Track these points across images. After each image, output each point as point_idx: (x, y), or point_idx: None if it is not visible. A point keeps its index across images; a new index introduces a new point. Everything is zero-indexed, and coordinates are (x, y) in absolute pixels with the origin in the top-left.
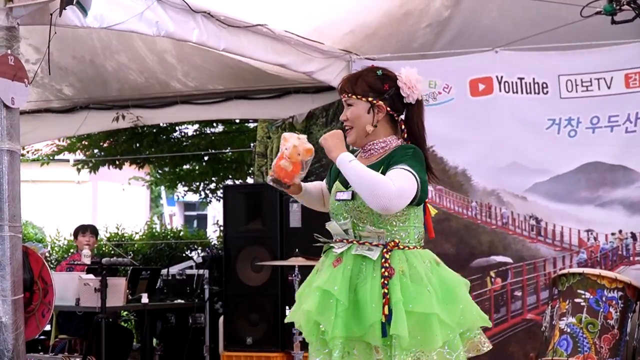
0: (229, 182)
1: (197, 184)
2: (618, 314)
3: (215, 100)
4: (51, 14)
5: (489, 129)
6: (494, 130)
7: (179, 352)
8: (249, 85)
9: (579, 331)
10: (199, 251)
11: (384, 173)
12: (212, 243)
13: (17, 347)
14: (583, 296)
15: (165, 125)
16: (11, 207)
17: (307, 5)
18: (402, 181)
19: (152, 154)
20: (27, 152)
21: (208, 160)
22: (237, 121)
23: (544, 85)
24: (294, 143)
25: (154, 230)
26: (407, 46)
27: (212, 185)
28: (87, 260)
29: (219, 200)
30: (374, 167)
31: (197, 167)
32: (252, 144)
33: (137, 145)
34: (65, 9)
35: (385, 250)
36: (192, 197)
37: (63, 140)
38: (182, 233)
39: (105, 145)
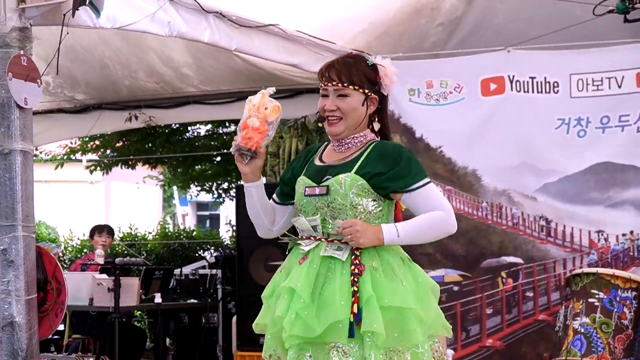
0: (241, 182)
1: (210, 183)
2: (632, 314)
3: (227, 100)
4: (64, 15)
5: (500, 128)
6: (505, 129)
7: (192, 351)
8: (260, 85)
9: (592, 331)
10: (212, 251)
11: (367, 174)
12: (225, 243)
13: (30, 347)
14: (597, 296)
15: (177, 125)
16: (25, 208)
17: (319, 4)
18: (439, 199)
19: (165, 154)
20: (40, 152)
21: (220, 160)
22: None
23: (555, 85)
24: (262, 92)
25: (166, 230)
26: (419, 45)
27: (225, 185)
28: (101, 260)
29: (232, 200)
30: (351, 163)
31: (209, 167)
32: None
33: (150, 145)
34: (78, 10)
35: (355, 248)
36: (205, 197)
37: (75, 143)
38: (194, 233)
39: (118, 145)
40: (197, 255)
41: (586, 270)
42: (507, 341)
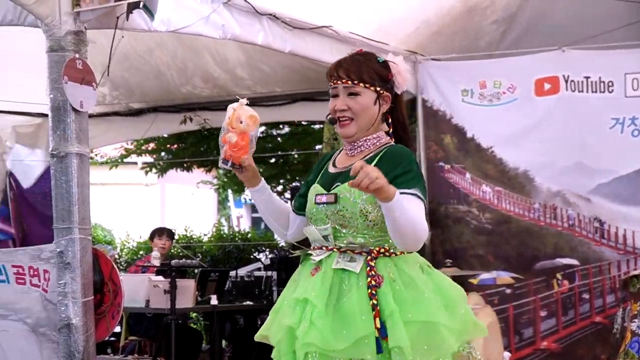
0: (296, 183)
1: None
2: None
3: (281, 102)
4: (117, 18)
5: (554, 128)
6: (559, 129)
7: (248, 353)
8: (314, 87)
9: None
10: (267, 253)
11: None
12: (280, 245)
13: (87, 349)
14: None
15: None
16: (81, 210)
17: (371, 5)
18: (421, 215)
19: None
20: (96, 155)
21: (275, 162)
22: (303, 123)
23: (610, 84)
24: (233, 107)
25: (222, 232)
26: (473, 45)
27: (279, 187)
28: (157, 262)
29: (287, 202)
30: None
31: (264, 169)
32: (318, 146)
33: (205, 147)
34: (131, 13)
35: (369, 258)
36: None
37: (131, 144)
38: (249, 235)
39: (173, 148)
40: (252, 257)
41: None
42: (563, 343)
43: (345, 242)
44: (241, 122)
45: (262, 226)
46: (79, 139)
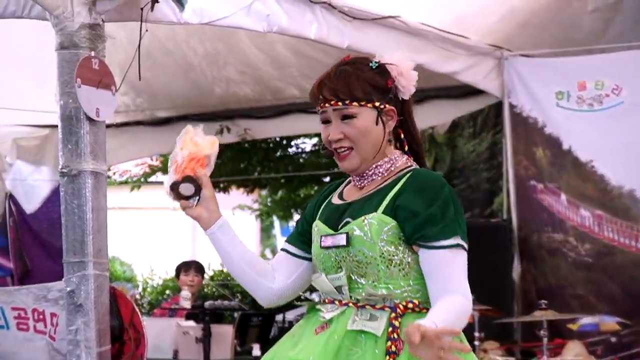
0: None
1: None
2: None
3: None
4: (142, 9)
5: None
6: None
7: None
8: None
9: None
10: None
11: (401, 213)
12: None
13: None
14: None
15: (278, 139)
16: (96, 240)
17: None
18: (461, 277)
19: (263, 174)
20: (114, 173)
21: (331, 181)
22: None
23: None
24: (187, 129)
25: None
26: (569, 37)
27: None
28: (187, 304)
29: None
30: (377, 199)
31: (317, 191)
32: None
33: (246, 164)
34: (157, 2)
35: (393, 315)
36: None
37: (156, 159)
38: None
39: None
40: (302, 297)
41: None
42: None
43: (363, 294)
44: (196, 145)
45: None
46: (94, 154)
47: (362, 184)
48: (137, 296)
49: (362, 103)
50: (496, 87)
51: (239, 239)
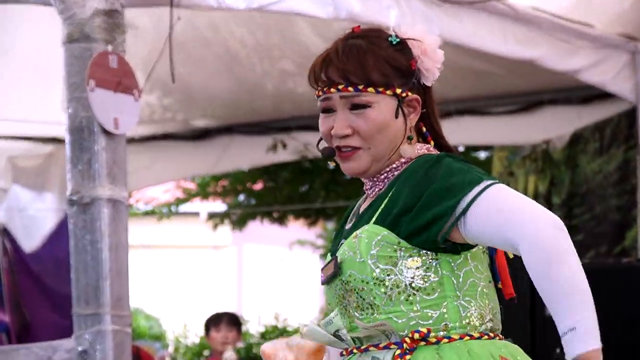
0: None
1: None
2: None
3: None
4: None
5: None
6: None
7: None
8: (476, 93)
9: None
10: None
11: (391, 217)
12: None
13: None
14: None
15: None
16: (115, 287)
17: None
18: (524, 205)
19: (329, 202)
20: (137, 201)
21: None
22: (461, 149)
23: None
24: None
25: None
26: None
27: None
28: None
29: None
30: (374, 206)
31: None
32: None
33: (307, 188)
34: None
35: (398, 353)
36: None
37: (192, 182)
38: None
39: (256, 188)
40: None
41: None
42: None
43: (361, 334)
44: None
45: None
46: (112, 176)
47: (373, 191)
48: (168, 359)
49: (380, 89)
50: (629, 89)
51: None
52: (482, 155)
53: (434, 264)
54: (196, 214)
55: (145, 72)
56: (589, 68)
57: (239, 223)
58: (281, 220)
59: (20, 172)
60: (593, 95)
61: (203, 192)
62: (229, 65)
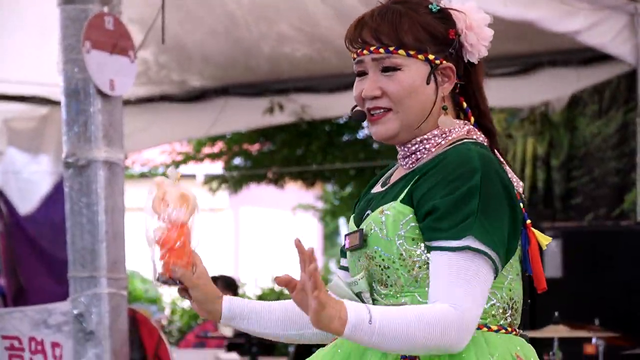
0: None
1: None
2: None
3: None
4: None
5: None
6: None
7: None
8: (510, 50)
9: None
10: None
11: (420, 201)
12: None
13: None
14: None
15: (345, 119)
16: (111, 250)
17: None
18: (463, 286)
19: (327, 164)
20: (134, 163)
21: None
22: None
23: None
24: (157, 182)
25: (329, 282)
26: None
27: None
28: (227, 331)
29: None
30: (402, 184)
31: None
32: None
33: (304, 150)
34: None
35: None
36: None
37: (188, 145)
38: None
39: (253, 151)
40: None
41: None
42: None
43: (385, 303)
44: (168, 206)
45: None
46: (108, 138)
47: (406, 163)
48: (164, 321)
49: (412, 52)
50: (628, 51)
51: (266, 307)
52: None
53: None
54: (192, 177)
55: (142, 33)
56: (588, 30)
57: (236, 186)
58: (277, 182)
59: (16, 135)
60: (592, 57)
61: (199, 155)
62: (226, 25)
